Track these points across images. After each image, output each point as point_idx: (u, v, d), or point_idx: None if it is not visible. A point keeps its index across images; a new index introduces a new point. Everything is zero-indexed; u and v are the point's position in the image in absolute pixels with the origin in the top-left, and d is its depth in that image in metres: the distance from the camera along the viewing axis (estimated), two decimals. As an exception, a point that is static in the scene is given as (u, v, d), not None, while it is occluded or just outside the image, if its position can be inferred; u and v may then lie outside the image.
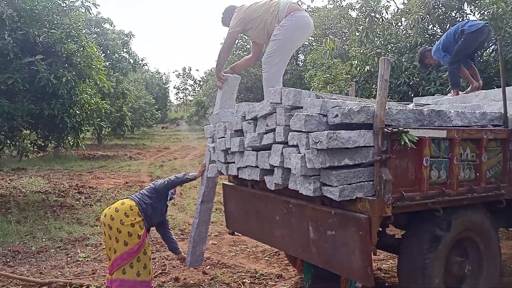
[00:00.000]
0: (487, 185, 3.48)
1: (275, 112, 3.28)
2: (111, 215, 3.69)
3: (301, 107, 3.15)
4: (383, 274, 4.62)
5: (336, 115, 2.85)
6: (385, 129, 2.86)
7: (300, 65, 21.88)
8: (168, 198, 4.22)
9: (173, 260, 5.05)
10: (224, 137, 3.98)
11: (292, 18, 3.92)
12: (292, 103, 3.16)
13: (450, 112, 3.40)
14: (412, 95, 8.04)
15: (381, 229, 3.64)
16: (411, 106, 4.02)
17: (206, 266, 4.86)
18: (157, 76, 43.99)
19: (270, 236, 3.74)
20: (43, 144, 9.15)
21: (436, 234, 3.15)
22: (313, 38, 18.59)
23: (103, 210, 3.90)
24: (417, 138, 2.96)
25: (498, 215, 3.85)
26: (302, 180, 2.99)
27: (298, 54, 24.25)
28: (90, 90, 9.30)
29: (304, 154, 2.90)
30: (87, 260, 5.13)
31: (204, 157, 4.49)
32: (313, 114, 2.92)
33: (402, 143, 2.92)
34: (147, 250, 3.79)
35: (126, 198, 3.96)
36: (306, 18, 4.02)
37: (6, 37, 7.10)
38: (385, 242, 3.62)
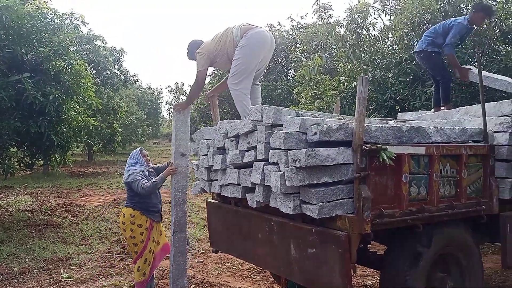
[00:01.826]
0: (467, 200, 3.50)
1: (256, 130, 3.30)
2: None
3: (282, 125, 3.18)
4: (368, 291, 4.61)
5: (315, 133, 2.88)
6: (364, 146, 2.88)
7: (291, 80, 22.06)
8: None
9: (158, 280, 4.98)
10: (207, 155, 3.98)
11: (247, 37, 4.08)
12: (272, 120, 3.19)
13: (430, 128, 3.44)
14: (399, 110, 8.12)
15: (362, 246, 3.65)
16: (392, 122, 4.06)
17: (191, 285, 4.80)
18: (149, 91, 44.04)
19: (253, 254, 3.72)
20: (30, 162, 9.07)
21: (417, 250, 3.15)
22: (302, 54, 18.79)
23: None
24: (396, 155, 2.99)
25: (481, 231, 3.87)
26: (282, 198, 3.00)
27: (289, 69, 24.49)
28: (78, 107, 9.28)
29: (284, 172, 2.91)
30: (70, 281, 5.05)
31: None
32: (293, 132, 2.94)
33: (381, 160, 2.94)
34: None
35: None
36: (261, 33, 4.12)
37: (-7, 55, 7.11)
38: (368, 258, 3.62)
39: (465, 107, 4.58)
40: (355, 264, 2.90)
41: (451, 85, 5.81)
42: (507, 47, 8.51)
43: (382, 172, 3.04)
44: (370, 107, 9.14)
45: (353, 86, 9.29)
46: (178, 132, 4.44)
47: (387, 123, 3.92)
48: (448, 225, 3.39)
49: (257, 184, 3.25)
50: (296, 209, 2.92)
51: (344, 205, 2.90)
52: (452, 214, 3.35)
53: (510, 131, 3.66)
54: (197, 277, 5.11)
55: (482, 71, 5.09)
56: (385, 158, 2.92)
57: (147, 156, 4.59)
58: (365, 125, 2.99)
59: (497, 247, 5.22)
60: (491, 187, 3.64)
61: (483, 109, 3.72)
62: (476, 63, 5.03)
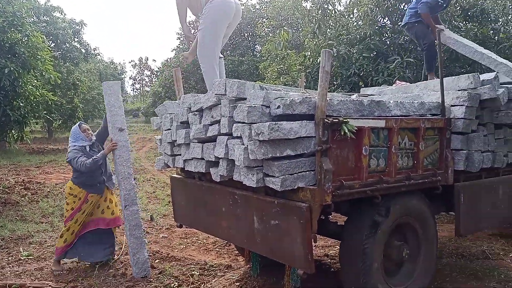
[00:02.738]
0: (424, 172, 3.62)
1: (220, 104, 3.27)
2: None
3: (245, 99, 3.16)
4: (329, 260, 4.76)
5: (278, 106, 2.88)
6: (326, 120, 2.92)
7: (257, 56, 21.91)
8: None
9: (122, 256, 4.95)
10: (170, 129, 3.93)
11: (211, 4, 3.98)
12: (236, 94, 3.16)
13: (390, 102, 3.51)
14: (363, 86, 8.26)
15: (323, 217, 3.75)
16: (354, 96, 4.12)
17: (155, 260, 4.80)
18: (111, 66, 42.66)
19: (217, 227, 3.74)
20: (-16, 138, 8.68)
21: (375, 220, 3.26)
22: (269, 29, 18.64)
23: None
24: (356, 128, 3.04)
25: (437, 201, 4.04)
26: (245, 171, 3.01)
27: (255, 45, 24.29)
28: (35, 81, 8.88)
29: (247, 146, 2.91)
30: (30, 259, 4.93)
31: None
32: (256, 105, 2.93)
33: (342, 133, 2.98)
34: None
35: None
36: (225, 2, 4.04)
37: None
38: (329, 229, 3.72)
39: (425, 81, 4.69)
40: (316, 235, 2.98)
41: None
42: (467, 24, 8.76)
43: (343, 145, 3.09)
44: (335, 82, 9.24)
45: (318, 61, 9.35)
46: (112, 108, 4.47)
47: (350, 97, 3.98)
48: (405, 196, 3.52)
49: (221, 158, 3.25)
50: (259, 182, 2.94)
51: (306, 178, 2.94)
52: (410, 185, 3.48)
53: (466, 104, 3.77)
54: (162, 252, 5.11)
55: (454, 34, 5.21)
56: (346, 131, 2.97)
57: (88, 130, 4.62)
58: (327, 98, 3.02)
59: (452, 216, 5.48)
60: (447, 159, 3.78)
61: (441, 83, 3.83)
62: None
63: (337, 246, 5.09)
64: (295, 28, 16.37)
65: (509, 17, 9.64)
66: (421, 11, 5.34)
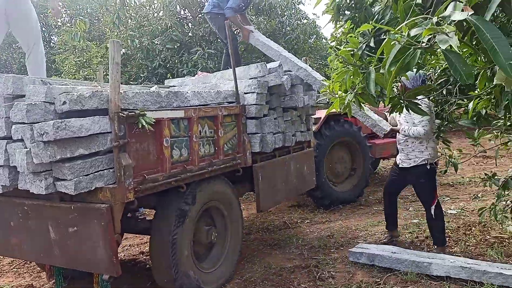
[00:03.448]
0: (225, 157, 3.84)
1: (-7, 103, 2.79)
2: None
3: (24, 95, 2.77)
4: (144, 257, 4.66)
5: (64, 102, 2.62)
6: (121, 114, 2.79)
7: (54, 48, 19.77)
8: None
9: None
10: None
11: None
12: (12, 91, 2.77)
13: (187, 92, 3.58)
14: (170, 77, 8.30)
15: (130, 214, 3.64)
16: (153, 88, 4.07)
17: None
18: None
19: (7, 245, 3.23)
20: None
21: (183, 209, 3.31)
22: (67, 19, 16.98)
23: None
24: (155, 120, 3.00)
25: (240, 183, 4.34)
26: (32, 178, 2.66)
27: (51, 36, 21.84)
28: None
29: (30, 149, 2.57)
30: None
31: None
32: (37, 102, 2.61)
33: (140, 126, 2.91)
34: None
35: None
36: None
37: None
38: (138, 226, 3.62)
39: (221, 71, 4.95)
40: (124, 234, 2.86)
41: (238, 46, 6.04)
42: (259, 17, 9.64)
43: (143, 138, 3.02)
44: (142, 75, 9.05)
45: (121, 53, 8.97)
46: None
47: (148, 89, 3.91)
48: (210, 181, 3.66)
49: (1, 166, 2.79)
50: (50, 188, 2.64)
51: (105, 177, 2.77)
52: (213, 171, 3.63)
53: (257, 91, 4.12)
54: None
55: (262, 36, 5.52)
56: (144, 124, 2.91)
57: None
58: (121, 91, 2.89)
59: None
60: (244, 142, 4.09)
61: (234, 72, 4.10)
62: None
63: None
64: (96, 18, 15.31)
65: (293, 11, 11.01)
66: (228, 15, 5.51)
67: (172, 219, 3.25)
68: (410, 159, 4.17)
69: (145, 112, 2.97)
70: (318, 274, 3.90)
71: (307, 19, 11.66)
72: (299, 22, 10.93)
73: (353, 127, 6.51)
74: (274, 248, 4.76)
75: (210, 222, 3.78)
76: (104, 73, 5.45)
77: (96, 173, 2.72)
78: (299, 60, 4.92)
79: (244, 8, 6.01)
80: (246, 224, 5.83)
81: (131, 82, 8.27)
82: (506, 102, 2.36)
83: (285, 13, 10.37)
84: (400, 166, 4.28)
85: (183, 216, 3.29)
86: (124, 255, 4.76)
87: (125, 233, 4.34)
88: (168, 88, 4.69)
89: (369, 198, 6.86)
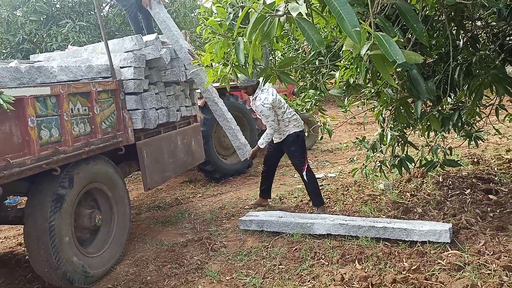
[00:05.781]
0: (104, 135, 3.63)
1: None
2: None
3: None
4: (23, 248, 4.26)
5: None
6: (-30, 92, 2.45)
7: None
8: None
9: None
10: None
11: None
12: None
13: (53, 67, 3.28)
14: (38, 53, 7.49)
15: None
16: (13, 64, 3.64)
17: None
18: None
19: None
20: None
21: (59, 193, 3.08)
22: None
23: None
24: (15, 99, 2.70)
25: (126, 162, 4.17)
26: None
27: None
28: None
29: None
30: None
31: None
32: None
33: (-2, 106, 2.59)
34: None
35: None
36: None
37: None
38: (8, 216, 3.29)
39: (93, 44, 4.62)
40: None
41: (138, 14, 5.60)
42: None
43: (3, 119, 2.71)
44: (4, 51, 8.04)
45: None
46: None
47: (7, 65, 3.49)
48: (89, 162, 3.44)
49: None
50: None
51: (-43, 165, 2.44)
52: (91, 151, 3.41)
53: (133, 65, 3.93)
54: None
55: (165, 12, 5.13)
56: (2, 102, 2.60)
57: None
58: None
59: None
60: (124, 119, 3.90)
61: (106, 45, 3.83)
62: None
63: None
64: None
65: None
66: None
67: (47, 205, 3.00)
68: (280, 134, 4.61)
69: (3, 89, 2.65)
70: (211, 245, 3.97)
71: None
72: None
73: (239, 100, 6.64)
74: (166, 225, 4.71)
75: (93, 205, 3.58)
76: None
77: None
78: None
79: None
80: (136, 203, 5.66)
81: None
82: (365, 69, 2.59)
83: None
84: (275, 142, 4.71)
85: (60, 201, 3.06)
86: (-1, 249, 4.31)
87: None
88: (32, 63, 4.24)
89: (258, 168, 7.11)
